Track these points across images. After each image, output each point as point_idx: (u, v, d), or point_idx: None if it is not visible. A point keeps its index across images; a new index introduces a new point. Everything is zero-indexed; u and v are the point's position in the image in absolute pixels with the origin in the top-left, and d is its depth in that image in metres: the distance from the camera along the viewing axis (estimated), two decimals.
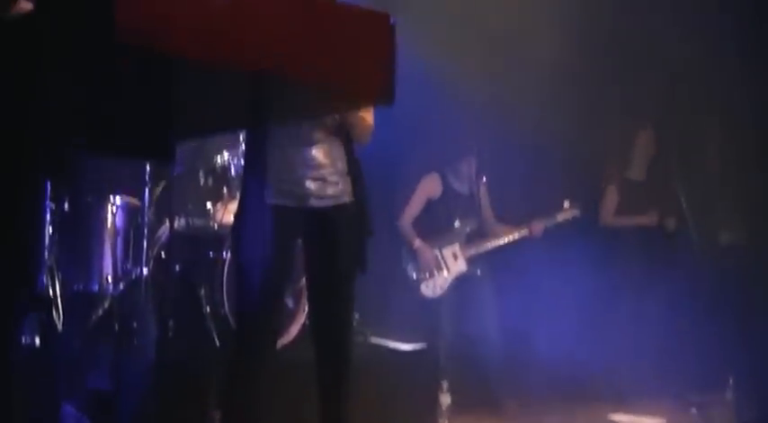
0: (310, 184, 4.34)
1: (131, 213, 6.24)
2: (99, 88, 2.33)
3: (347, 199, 4.43)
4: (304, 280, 4.91)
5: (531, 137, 7.67)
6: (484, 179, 7.24)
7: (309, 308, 4.98)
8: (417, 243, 7.13)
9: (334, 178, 4.38)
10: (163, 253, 6.15)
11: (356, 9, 2.28)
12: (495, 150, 7.26)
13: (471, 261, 7.23)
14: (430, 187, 7.25)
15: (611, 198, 7.93)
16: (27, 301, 2.73)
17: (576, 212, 7.42)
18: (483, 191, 7.29)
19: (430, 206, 7.25)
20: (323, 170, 4.36)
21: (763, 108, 7.81)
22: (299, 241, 4.52)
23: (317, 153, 4.34)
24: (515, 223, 7.36)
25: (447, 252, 7.20)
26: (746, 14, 7.62)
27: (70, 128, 2.52)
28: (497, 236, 7.31)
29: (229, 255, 5.77)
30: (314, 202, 4.36)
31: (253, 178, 4.30)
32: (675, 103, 8.16)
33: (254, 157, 4.28)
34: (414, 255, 7.18)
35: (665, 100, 8.16)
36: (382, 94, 2.31)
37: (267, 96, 2.35)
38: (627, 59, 8.15)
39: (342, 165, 4.42)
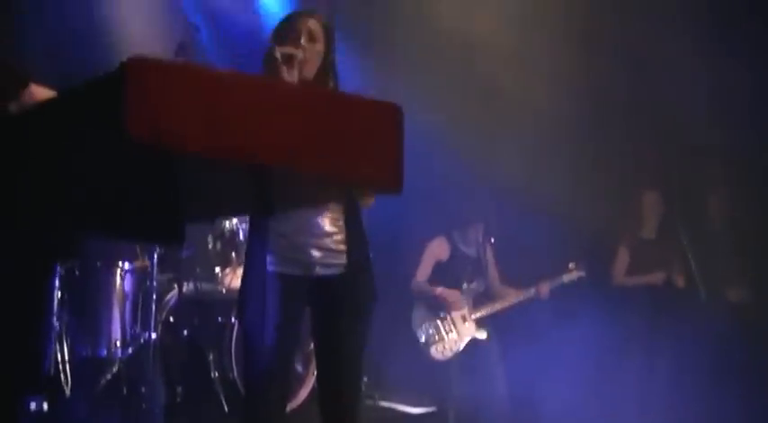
0: (316, 253, 4.32)
1: (140, 277, 6.25)
2: (110, 176, 2.36)
3: (354, 267, 4.42)
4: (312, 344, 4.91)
5: (535, 199, 7.69)
6: (492, 240, 7.26)
7: (318, 372, 4.96)
8: (439, 290, 7.15)
9: (340, 246, 4.37)
10: (171, 317, 6.16)
11: (364, 100, 2.30)
12: (502, 212, 7.29)
13: (480, 323, 7.23)
14: (438, 250, 7.27)
15: (622, 258, 7.96)
16: (32, 384, 2.75)
17: (581, 273, 7.44)
18: (490, 253, 7.31)
19: (438, 269, 7.26)
20: (328, 238, 4.35)
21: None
22: (306, 308, 4.51)
23: (323, 220, 4.34)
24: (522, 285, 7.37)
25: (456, 314, 7.20)
26: (750, 76, 7.67)
27: (82, 215, 2.54)
28: (504, 298, 7.33)
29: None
30: (320, 271, 4.35)
31: (258, 245, 4.31)
32: (680, 164, 8.18)
33: (259, 224, 4.29)
34: (428, 313, 7.20)
35: (670, 160, 8.18)
36: (391, 183, 2.32)
37: (277, 185, 2.37)
38: (631, 121, 8.18)
39: (350, 232, 4.42)
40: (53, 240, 2.70)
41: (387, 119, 2.32)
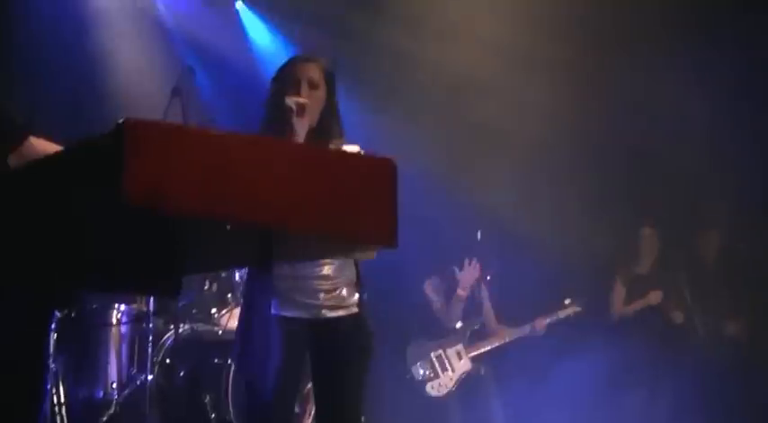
0: (323, 296, 4.34)
1: (136, 319, 6.24)
2: (108, 233, 2.37)
3: (356, 309, 4.44)
4: (309, 384, 4.92)
5: (531, 235, 7.72)
6: (488, 277, 7.29)
7: (317, 414, 4.96)
8: (459, 290, 7.15)
9: (342, 289, 4.39)
10: (168, 359, 6.14)
11: (359, 157, 2.33)
12: (497, 249, 7.32)
13: (475, 360, 7.24)
14: (432, 290, 7.30)
15: (619, 290, 7.99)
16: None
17: (577, 309, 7.47)
18: (485, 291, 7.34)
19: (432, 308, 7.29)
20: (330, 281, 4.36)
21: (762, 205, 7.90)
22: (307, 350, 4.52)
23: (324, 264, 4.36)
24: (518, 322, 7.39)
25: (451, 352, 7.21)
26: (744, 118, 7.75)
27: (80, 271, 2.56)
28: (500, 335, 7.36)
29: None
30: (325, 314, 4.37)
31: (259, 289, 4.31)
32: (675, 201, 8.22)
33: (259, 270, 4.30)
34: (423, 350, 7.21)
35: (665, 197, 8.23)
36: (386, 239, 2.35)
37: (273, 241, 2.39)
38: (626, 159, 8.23)
39: (351, 274, 4.44)
40: (51, 292, 2.71)
41: (381, 175, 2.35)
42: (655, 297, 7.87)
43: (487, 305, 7.36)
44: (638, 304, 7.91)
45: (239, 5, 8.45)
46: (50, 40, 7.23)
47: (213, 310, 6.37)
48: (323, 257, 3.78)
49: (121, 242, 2.40)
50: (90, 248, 2.49)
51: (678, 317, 7.94)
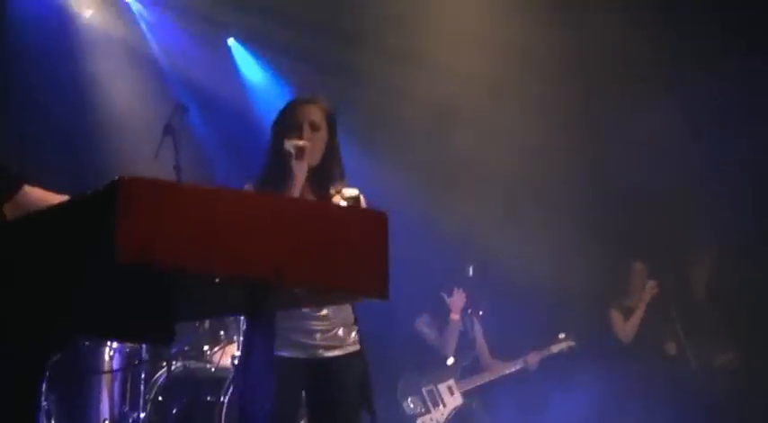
0: (320, 337, 4.35)
1: (129, 356, 6.23)
2: (102, 284, 2.39)
3: (353, 348, 4.44)
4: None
5: (520, 270, 7.75)
6: (480, 313, 7.32)
7: None
8: (451, 315, 7.16)
9: (342, 330, 4.41)
10: (160, 396, 6.13)
11: (350, 210, 2.35)
12: (488, 286, 7.35)
13: (466, 395, 7.26)
14: (423, 326, 7.33)
15: (617, 317, 7.99)
16: None
17: (571, 343, 7.50)
18: (477, 326, 7.37)
19: (425, 342, 7.30)
20: (327, 321, 4.37)
21: (752, 235, 7.93)
22: (302, 390, 4.52)
23: (326, 309, 4.36)
24: (510, 356, 7.41)
25: (442, 387, 7.23)
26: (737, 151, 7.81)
27: (74, 321, 2.58)
28: (492, 370, 7.39)
29: (227, 398, 5.76)
30: (323, 353, 4.38)
31: (256, 328, 4.31)
32: (667, 234, 8.26)
33: None
34: (414, 386, 7.21)
35: (656, 231, 8.26)
36: (377, 291, 2.37)
37: (266, 291, 2.40)
38: (617, 194, 8.27)
39: (348, 314, 4.45)
40: (45, 340, 2.72)
41: (373, 227, 2.37)
42: (651, 287, 7.84)
43: (480, 340, 7.39)
44: (636, 318, 7.89)
45: (231, 42, 8.50)
46: (43, 75, 7.27)
47: (206, 348, 6.36)
48: (316, 306, 3.80)
49: (114, 292, 2.42)
50: (83, 298, 2.50)
51: (671, 348, 7.96)
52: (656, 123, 7.74)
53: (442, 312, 7.32)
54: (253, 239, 2.16)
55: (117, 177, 2.06)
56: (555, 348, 7.48)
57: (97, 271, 2.22)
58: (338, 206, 2.24)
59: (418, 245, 7.17)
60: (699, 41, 7.72)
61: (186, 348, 6.34)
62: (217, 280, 2.21)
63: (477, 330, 7.38)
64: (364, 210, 2.33)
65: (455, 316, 7.20)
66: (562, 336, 7.52)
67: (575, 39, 7.63)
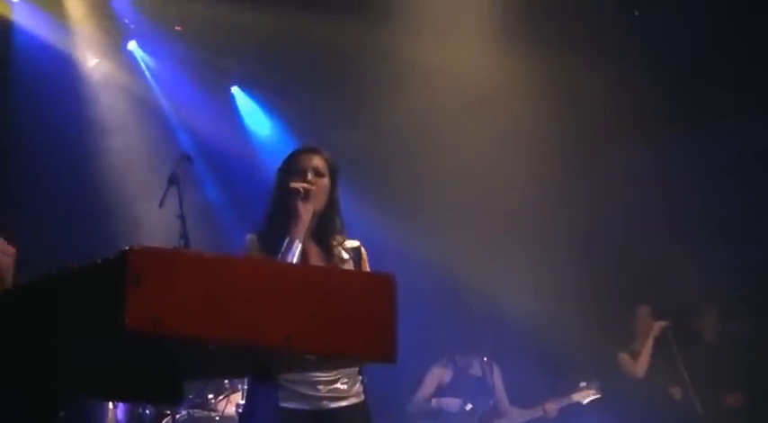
0: (324, 388, 4.35)
1: (133, 405, 6.22)
2: (110, 349, 2.39)
3: (357, 399, 4.44)
4: None
5: (527, 316, 7.75)
6: (485, 359, 7.28)
7: None
8: (435, 400, 7.12)
9: (346, 380, 4.40)
10: None
11: (358, 274, 2.35)
12: (506, 334, 7.35)
13: None
14: (440, 373, 7.30)
15: (626, 359, 7.98)
16: None
17: (593, 393, 7.39)
18: (496, 373, 7.32)
19: (440, 390, 7.25)
20: (334, 373, 4.37)
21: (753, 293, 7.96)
22: None
23: None
24: (530, 404, 7.35)
25: None
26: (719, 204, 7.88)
27: (83, 384, 2.58)
28: (511, 417, 7.30)
29: None
30: (328, 405, 4.37)
31: (262, 386, 4.31)
32: (673, 280, 8.27)
33: None
34: None
35: (664, 277, 8.28)
36: (385, 355, 2.36)
37: (274, 358, 2.40)
38: (625, 241, 8.29)
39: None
40: (53, 402, 2.72)
41: (381, 291, 2.36)
42: (658, 326, 7.82)
43: (500, 387, 7.33)
44: (648, 351, 7.85)
45: (235, 90, 8.55)
46: (47, 124, 7.31)
47: (210, 396, 6.35)
48: (321, 370, 3.80)
49: (122, 356, 2.42)
50: (91, 362, 2.51)
51: (676, 393, 7.94)
52: (662, 165, 7.79)
53: (455, 360, 7.31)
54: (261, 307, 2.16)
55: (127, 247, 2.06)
56: (576, 397, 7.38)
57: (105, 337, 2.22)
58: (345, 271, 2.25)
59: (440, 299, 7.21)
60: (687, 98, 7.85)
61: (191, 396, 6.32)
62: (211, 347, 2.20)
63: (497, 377, 7.33)
64: (372, 274, 2.32)
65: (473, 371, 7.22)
66: (583, 384, 7.44)
67: (575, 99, 7.72)
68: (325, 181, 4.31)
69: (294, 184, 4.20)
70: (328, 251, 4.27)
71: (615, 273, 8.26)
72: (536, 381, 7.62)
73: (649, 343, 7.87)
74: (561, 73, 7.72)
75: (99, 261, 2.14)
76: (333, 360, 2.34)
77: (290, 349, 2.20)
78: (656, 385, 7.92)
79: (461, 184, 7.92)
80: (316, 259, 4.19)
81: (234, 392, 6.23)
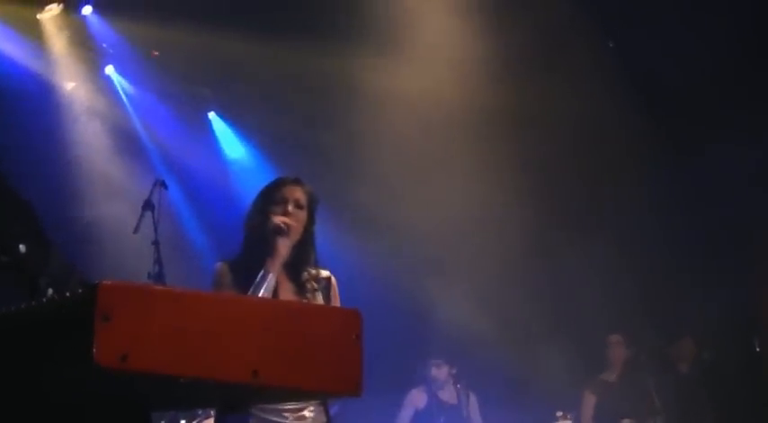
0: (290, 417, 4.37)
1: None
2: (76, 381, 2.41)
3: None
4: None
5: (515, 348, 7.79)
6: (458, 385, 7.31)
7: None
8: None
9: (313, 409, 4.42)
10: None
11: (325, 309, 2.39)
12: (480, 363, 7.40)
13: None
14: (417, 398, 7.32)
15: (587, 403, 7.98)
16: None
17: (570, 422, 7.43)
18: (473, 402, 7.34)
19: (416, 417, 7.27)
20: (299, 402, 4.39)
21: (729, 320, 8.02)
22: None
23: None
24: None
25: None
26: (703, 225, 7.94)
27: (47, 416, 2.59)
28: None
29: None
30: None
31: (230, 417, 4.32)
32: (647, 310, 8.33)
33: None
34: None
35: (635, 307, 8.33)
36: (352, 388, 2.40)
37: (242, 391, 2.43)
38: (600, 269, 8.34)
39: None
40: None
41: (347, 326, 2.40)
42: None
43: (476, 417, 7.36)
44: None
45: (212, 116, 8.57)
46: (23, 147, 7.30)
47: (183, 422, 6.34)
48: (287, 401, 3.83)
49: (90, 386, 2.44)
50: (57, 393, 2.52)
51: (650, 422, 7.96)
52: (637, 194, 7.88)
53: (430, 387, 7.34)
54: (231, 343, 2.19)
55: (96, 282, 2.09)
56: None
57: (74, 372, 2.25)
58: (312, 306, 2.29)
59: (412, 324, 7.24)
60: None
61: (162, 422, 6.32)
62: (181, 380, 2.23)
63: (473, 406, 7.35)
64: (340, 309, 2.37)
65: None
66: (560, 413, 7.47)
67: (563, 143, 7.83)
68: (304, 214, 4.34)
69: (276, 220, 4.22)
70: (299, 284, 4.30)
71: (591, 301, 8.31)
72: (512, 410, 7.63)
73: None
74: (539, 104, 7.80)
75: (69, 296, 2.17)
76: (299, 394, 2.37)
77: (258, 384, 2.23)
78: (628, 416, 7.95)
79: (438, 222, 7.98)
80: (287, 291, 4.22)
81: (206, 419, 6.21)
